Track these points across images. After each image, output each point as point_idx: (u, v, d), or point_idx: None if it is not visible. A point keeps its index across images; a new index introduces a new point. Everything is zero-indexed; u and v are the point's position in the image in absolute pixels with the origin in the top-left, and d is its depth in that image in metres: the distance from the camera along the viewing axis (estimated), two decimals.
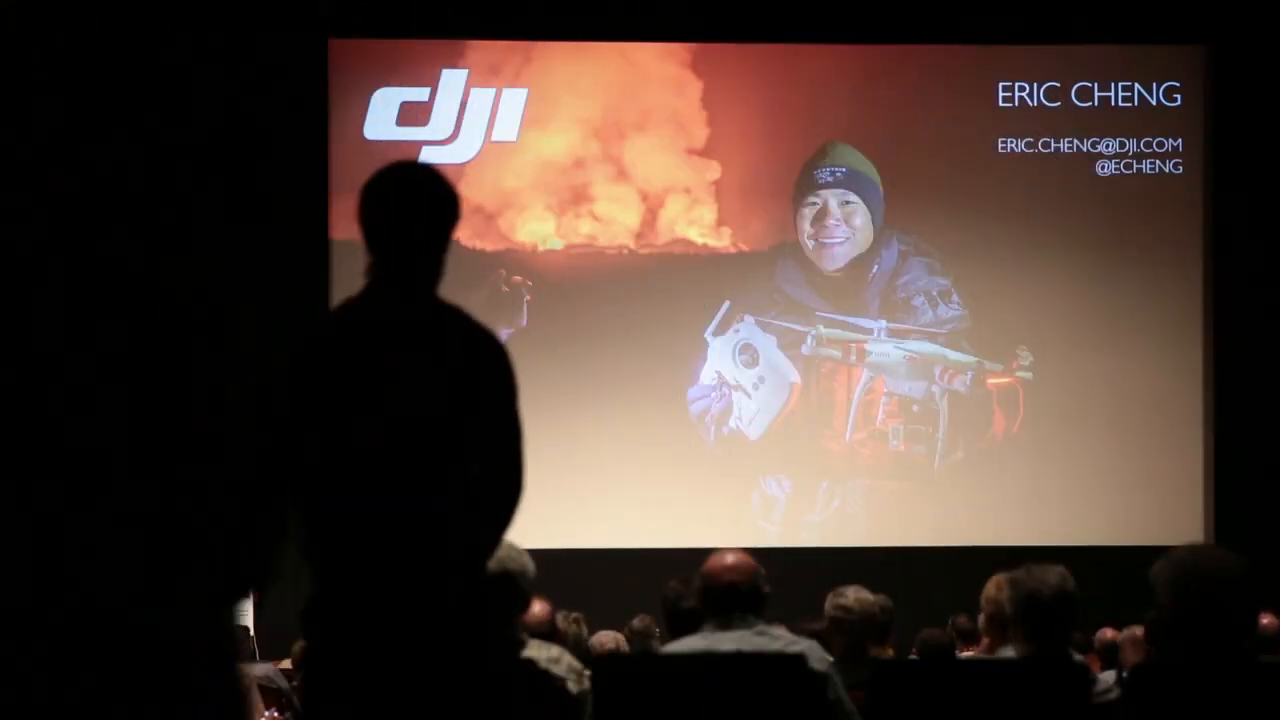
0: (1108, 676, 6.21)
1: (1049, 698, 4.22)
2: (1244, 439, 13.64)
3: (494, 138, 13.79)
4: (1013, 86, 13.93)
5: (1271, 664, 4.35)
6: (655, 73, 13.95)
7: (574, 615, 7.95)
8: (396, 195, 3.49)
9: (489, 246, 13.63)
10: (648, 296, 13.76)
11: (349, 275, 3.61)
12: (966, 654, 8.47)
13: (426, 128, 13.58)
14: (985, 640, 6.50)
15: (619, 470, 13.51)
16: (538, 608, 5.78)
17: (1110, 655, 8.64)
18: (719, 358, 13.83)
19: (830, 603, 6.31)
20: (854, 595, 6.35)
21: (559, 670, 4.98)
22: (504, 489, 3.46)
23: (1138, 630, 7.90)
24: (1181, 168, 13.96)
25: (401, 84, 13.70)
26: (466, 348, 3.45)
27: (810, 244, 13.89)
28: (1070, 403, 13.82)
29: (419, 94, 13.74)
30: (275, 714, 7.49)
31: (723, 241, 13.87)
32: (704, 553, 5.19)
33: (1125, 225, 13.94)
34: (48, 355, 1.93)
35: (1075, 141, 13.93)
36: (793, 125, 13.84)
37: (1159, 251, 13.94)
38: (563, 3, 13.59)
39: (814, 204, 13.92)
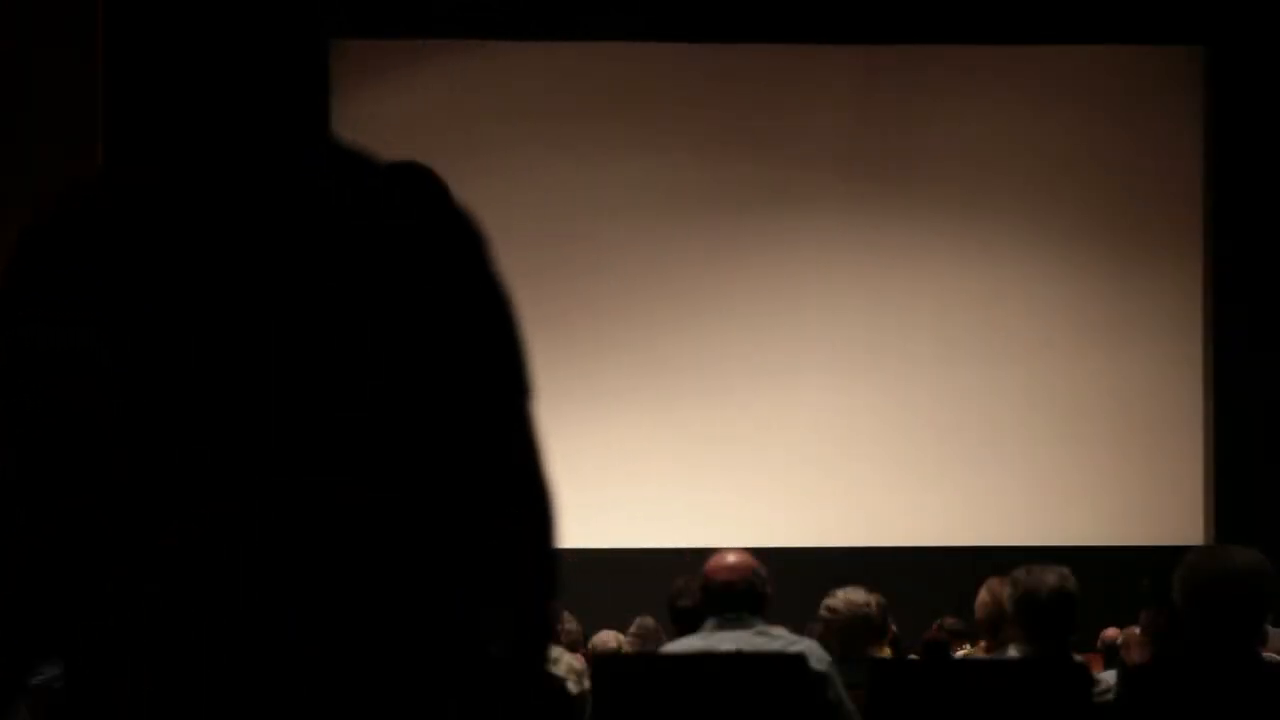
0: (1108, 676, 6.20)
1: (1049, 698, 4.21)
2: (1244, 439, 13.62)
3: None
4: (1012, 86, 13.92)
5: (1276, 663, 4.35)
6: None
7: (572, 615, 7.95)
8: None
9: None
10: (648, 295, 13.74)
11: None
12: (960, 653, 8.44)
13: (426, 127, 13.55)
14: (982, 642, 6.48)
15: (620, 470, 13.49)
16: None
17: (1111, 655, 8.63)
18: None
19: (822, 604, 6.31)
20: (843, 596, 6.35)
21: (559, 670, 4.97)
22: None
23: (1136, 630, 7.89)
24: (1181, 168, 13.94)
25: (402, 84, 13.69)
26: None
27: None
28: (1070, 403, 13.80)
29: (420, 93, 13.73)
30: None
31: None
32: (706, 553, 5.18)
33: (1125, 225, 13.93)
34: None
35: (1075, 141, 13.91)
36: (790, 127, 13.83)
37: (1159, 251, 13.93)
38: (564, 3, 13.56)
39: None
